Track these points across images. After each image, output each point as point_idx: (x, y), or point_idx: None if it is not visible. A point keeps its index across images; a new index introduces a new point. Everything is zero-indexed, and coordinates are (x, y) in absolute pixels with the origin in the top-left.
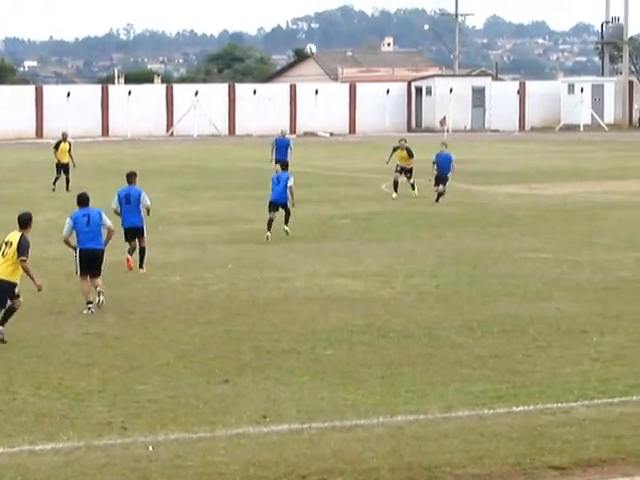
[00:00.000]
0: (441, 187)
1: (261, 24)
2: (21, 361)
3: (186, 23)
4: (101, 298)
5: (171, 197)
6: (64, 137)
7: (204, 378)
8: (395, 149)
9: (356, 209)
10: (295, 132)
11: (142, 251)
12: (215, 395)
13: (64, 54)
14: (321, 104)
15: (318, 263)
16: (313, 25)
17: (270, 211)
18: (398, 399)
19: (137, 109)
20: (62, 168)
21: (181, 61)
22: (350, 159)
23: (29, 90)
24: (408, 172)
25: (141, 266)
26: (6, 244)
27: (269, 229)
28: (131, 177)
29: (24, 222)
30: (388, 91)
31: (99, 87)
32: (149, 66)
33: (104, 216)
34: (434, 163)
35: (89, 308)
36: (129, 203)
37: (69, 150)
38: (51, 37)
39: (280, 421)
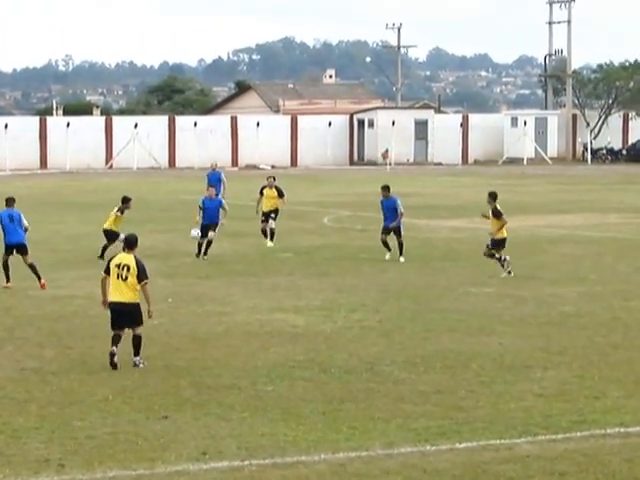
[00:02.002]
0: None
1: (202, 55)
2: None
3: (126, 54)
4: None
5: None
6: None
7: (143, 414)
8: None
9: (298, 242)
10: (237, 164)
11: (32, 267)
12: (154, 431)
13: (1, 85)
14: (263, 136)
15: (259, 297)
16: (254, 57)
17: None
18: (340, 435)
19: (76, 141)
20: None
21: (120, 92)
22: (291, 192)
23: None
24: (273, 213)
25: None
26: (120, 267)
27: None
28: (9, 202)
29: (133, 243)
30: (330, 123)
31: (37, 119)
32: (88, 98)
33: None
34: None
35: None
36: (12, 222)
37: None
38: None
39: (220, 458)
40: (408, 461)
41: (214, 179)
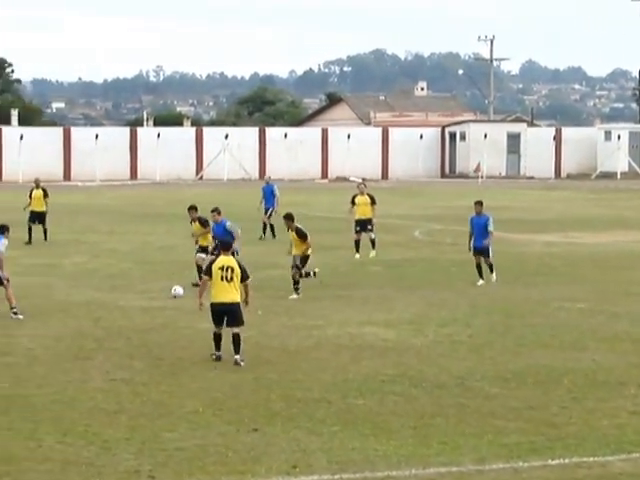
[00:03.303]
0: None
1: (293, 67)
2: (47, 407)
3: (216, 65)
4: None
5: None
6: (37, 183)
7: (233, 426)
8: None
9: (388, 256)
10: (327, 176)
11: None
12: (244, 444)
13: (93, 96)
14: (353, 149)
15: (349, 311)
16: (345, 68)
17: None
18: (430, 450)
19: (166, 152)
20: (36, 217)
21: (211, 104)
22: (382, 204)
23: (57, 132)
24: (369, 225)
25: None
26: (224, 269)
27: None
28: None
29: (229, 245)
30: (421, 136)
31: (128, 129)
32: (178, 109)
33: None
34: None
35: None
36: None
37: (44, 197)
38: (80, 78)
39: (310, 472)
40: (500, 477)
41: (268, 191)
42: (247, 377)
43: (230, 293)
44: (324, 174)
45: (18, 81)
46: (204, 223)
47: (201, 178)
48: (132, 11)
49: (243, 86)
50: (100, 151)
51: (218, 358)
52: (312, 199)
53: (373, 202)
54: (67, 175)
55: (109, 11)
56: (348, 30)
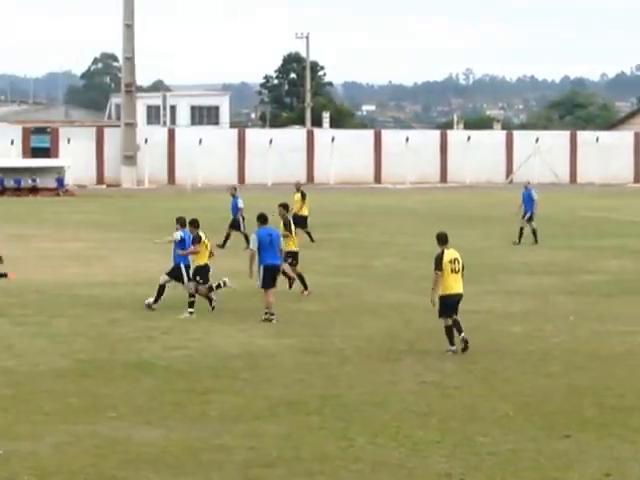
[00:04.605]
0: None
1: (604, 70)
2: (358, 408)
3: (526, 68)
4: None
5: (507, 245)
6: (297, 187)
7: (545, 432)
8: None
9: None
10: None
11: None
12: (556, 450)
13: (402, 99)
14: None
15: None
16: None
17: None
18: None
19: (476, 155)
20: (297, 221)
21: (521, 107)
22: None
23: (368, 134)
24: None
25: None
26: (452, 262)
27: None
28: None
29: (447, 238)
30: None
31: (438, 132)
32: (488, 112)
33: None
34: None
35: (270, 319)
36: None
37: (302, 200)
38: (390, 81)
39: None
40: None
41: (526, 196)
42: (559, 383)
43: (460, 283)
44: (637, 178)
45: (330, 84)
46: (287, 224)
47: (511, 182)
48: (443, 12)
49: (553, 89)
50: (410, 154)
51: (454, 352)
52: (623, 203)
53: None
54: (377, 177)
55: (417, 11)
56: None
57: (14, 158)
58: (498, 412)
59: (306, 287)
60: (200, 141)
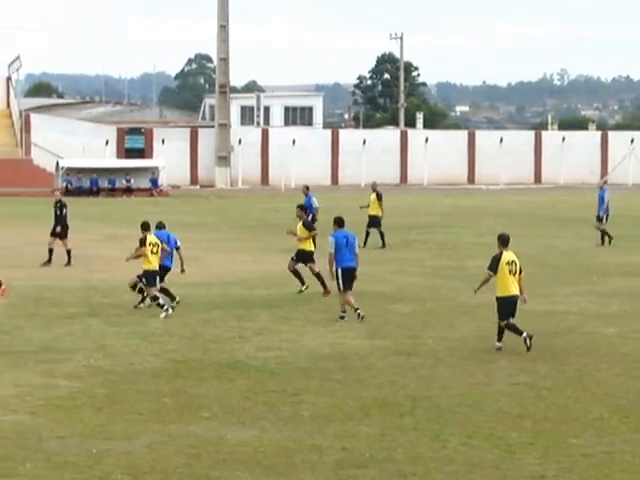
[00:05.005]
0: None
1: None
2: (452, 409)
3: (622, 69)
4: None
5: (602, 246)
6: (373, 187)
7: None
8: None
9: None
10: None
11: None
12: None
13: (496, 99)
14: None
15: None
16: None
17: None
18: None
19: (570, 156)
20: (371, 221)
21: (616, 107)
22: None
23: (462, 135)
24: None
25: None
26: (509, 264)
27: None
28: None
29: (508, 240)
30: None
31: (532, 133)
32: (583, 112)
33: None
34: None
35: (343, 316)
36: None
37: (379, 200)
38: (484, 82)
39: None
40: None
41: (600, 197)
42: None
43: (516, 285)
44: None
45: (424, 84)
46: (309, 227)
47: (605, 182)
48: (538, 13)
49: None
50: (504, 154)
51: (499, 349)
52: None
53: None
54: (471, 178)
55: (511, 12)
56: None
57: (109, 159)
58: (592, 414)
59: (325, 287)
60: (293, 142)
